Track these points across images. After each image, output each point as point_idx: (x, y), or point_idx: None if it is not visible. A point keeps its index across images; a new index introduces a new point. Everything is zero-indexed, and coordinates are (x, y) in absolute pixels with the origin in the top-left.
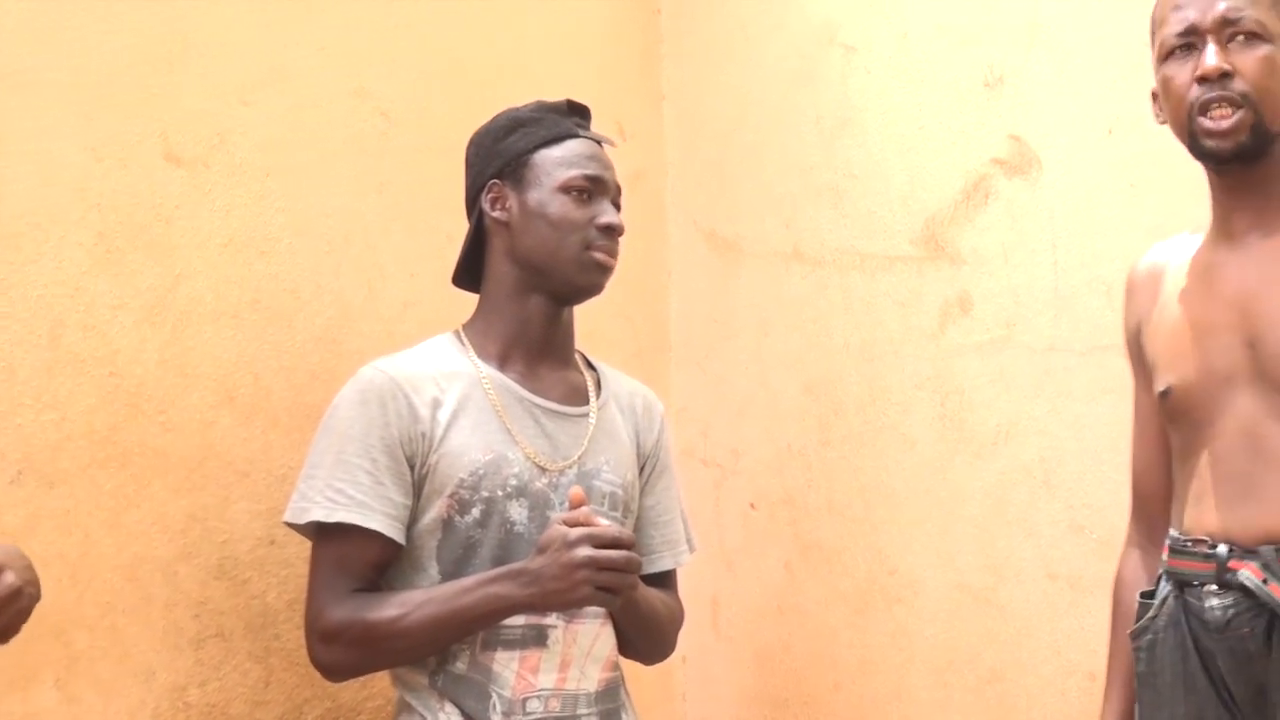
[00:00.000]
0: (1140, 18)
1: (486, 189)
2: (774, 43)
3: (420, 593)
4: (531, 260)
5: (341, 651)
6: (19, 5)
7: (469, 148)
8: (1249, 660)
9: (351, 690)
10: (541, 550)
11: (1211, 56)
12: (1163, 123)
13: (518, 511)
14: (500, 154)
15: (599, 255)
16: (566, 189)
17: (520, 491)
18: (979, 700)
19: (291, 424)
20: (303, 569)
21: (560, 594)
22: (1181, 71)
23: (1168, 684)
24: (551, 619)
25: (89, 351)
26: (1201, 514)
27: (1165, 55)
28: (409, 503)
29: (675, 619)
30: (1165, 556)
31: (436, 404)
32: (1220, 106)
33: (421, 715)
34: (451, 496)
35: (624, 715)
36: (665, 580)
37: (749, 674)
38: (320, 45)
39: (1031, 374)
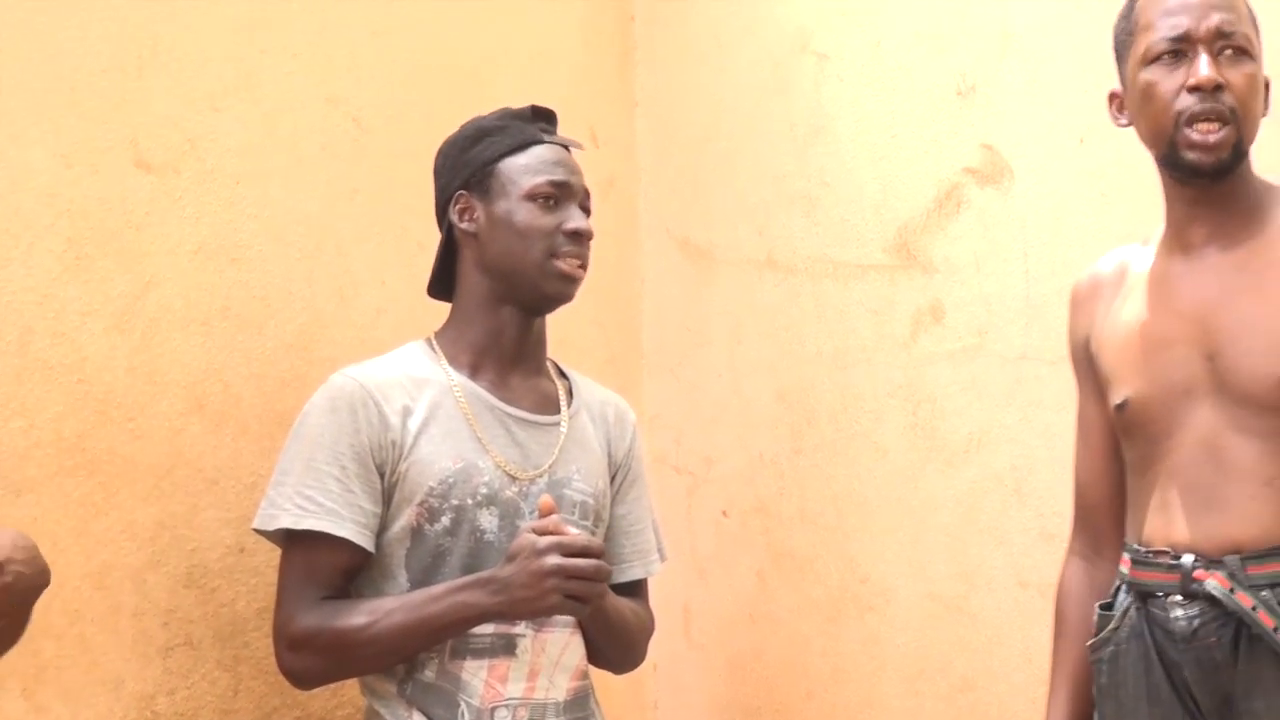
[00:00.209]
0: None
1: (454, 200)
2: (747, 50)
3: (389, 600)
4: (500, 270)
5: (310, 659)
6: None
7: (437, 158)
8: (1215, 670)
9: (321, 699)
10: (511, 558)
11: (1206, 67)
12: (1123, 125)
13: (488, 520)
14: (466, 164)
15: (563, 264)
16: (532, 196)
17: (490, 500)
18: (951, 708)
19: (261, 431)
20: (272, 577)
21: (529, 602)
22: (1169, 79)
23: (1131, 695)
24: (520, 628)
25: (58, 358)
26: (1163, 525)
27: (1150, 60)
28: (379, 510)
29: (645, 628)
30: (1127, 569)
31: (407, 412)
32: (1209, 120)
33: None
34: (421, 505)
35: None
36: (636, 590)
37: (721, 682)
38: (292, 51)
39: (1003, 382)
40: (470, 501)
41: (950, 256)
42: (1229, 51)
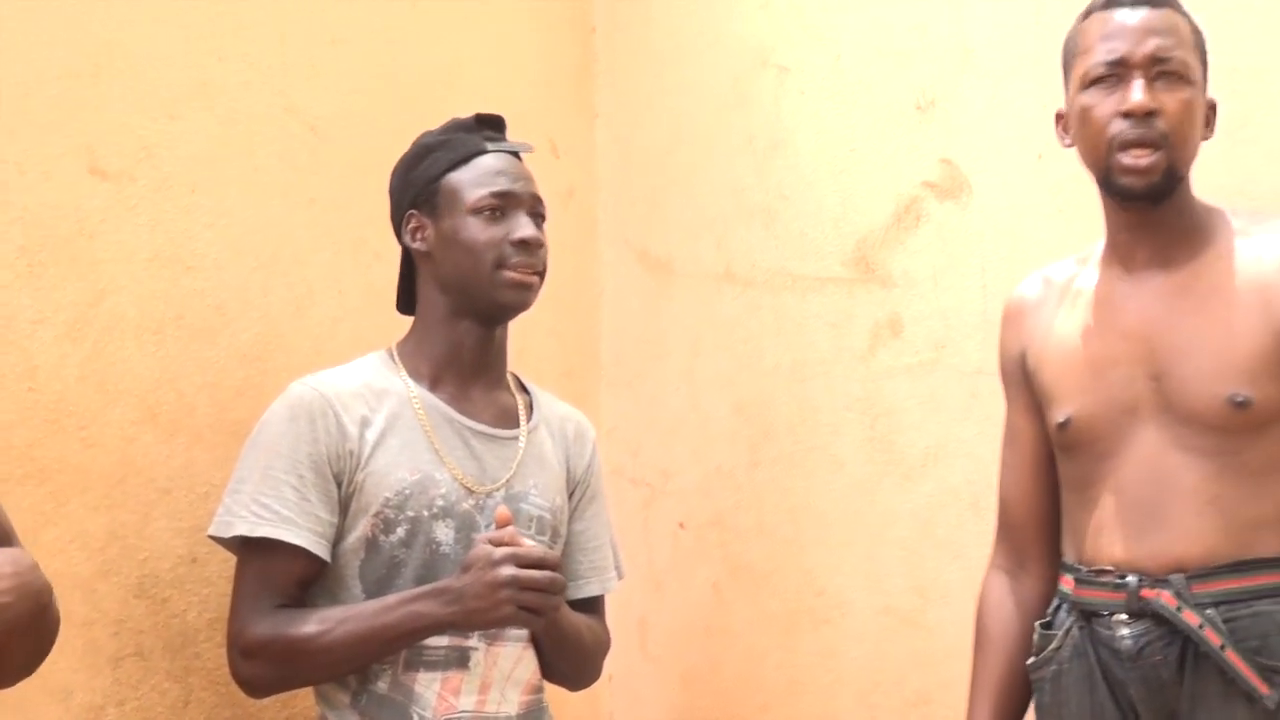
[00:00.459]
0: None
1: (405, 220)
2: (708, 63)
3: (343, 609)
4: (454, 286)
5: (263, 667)
6: None
7: (390, 178)
8: (1161, 688)
9: (273, 710)
10: (466, 569)
11: (1139, 92)
12: (1068, 146)
13: (444, 532)
14: (413, 183)
15: (514, 274)
16: (477, 210)
17: (447, 512)
18: None
19: (215, 441)
20: (224, 588)
21: (482, 613)
22: (1104, 103)
23: (1074, 714)
24: (473, 641)
25: (8, 366)
26: (1106, 544)
27: (1088, 83)
28: (335, 520)
29: (601, 645)
30: (1069, 588)
31: (365, 422)
32: (1141, 145)
33: None
34: (377, 515)
35: None
36: (592, 606)
37: (676, 694)
38: (250, 59)
39: (960, 396)
40: (426, 513)
41: (908, 270)
42: (1165, 77)
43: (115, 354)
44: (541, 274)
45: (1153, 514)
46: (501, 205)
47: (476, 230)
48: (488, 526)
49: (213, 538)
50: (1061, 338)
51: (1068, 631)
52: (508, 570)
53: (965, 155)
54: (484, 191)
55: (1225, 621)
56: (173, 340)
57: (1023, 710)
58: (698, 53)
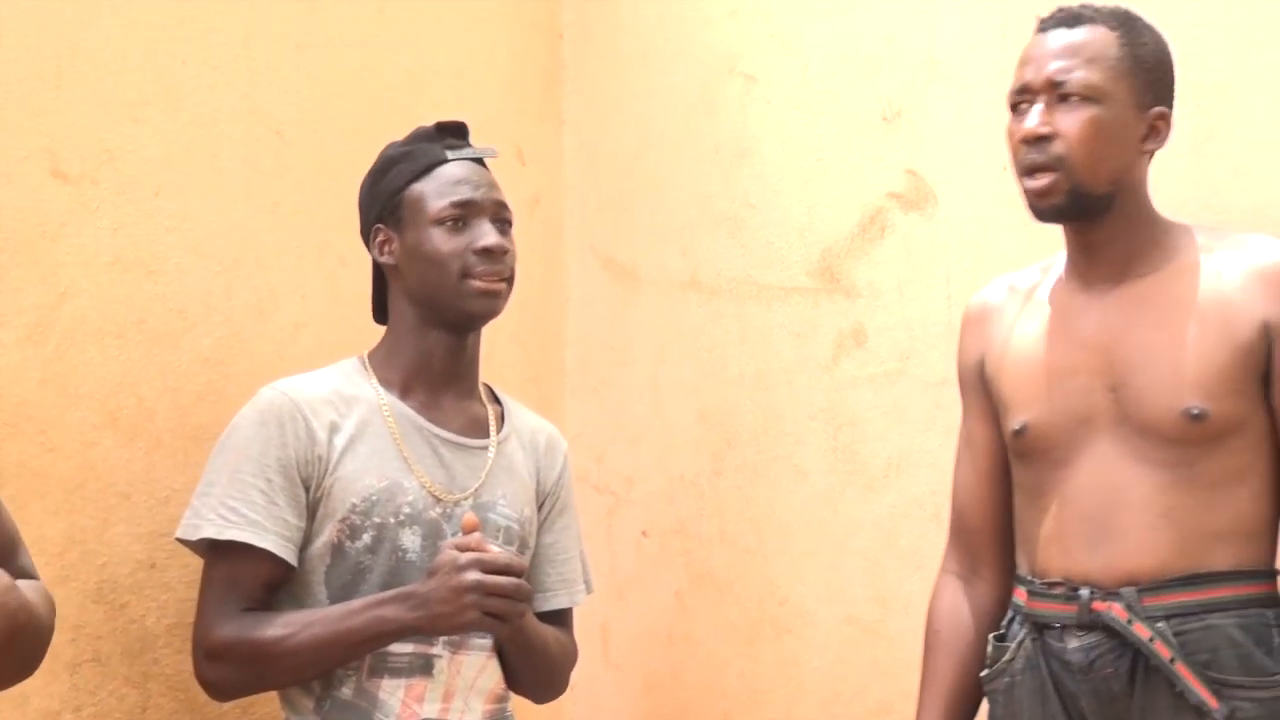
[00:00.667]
0: None
1: (373, 234)
2: (675, 71)
3: (308, 613)
4: (421, 298)
5: (228, 669)
6: None
7: (359, 191)
8: (1112, 701)
9: (233, 715)
10: (431, 574)
11: (1032, 118)
12: None
13: (410, 539)
14: (378, 197)
15: (479, 283)
16: (439, 221)
17: (413, 520)
18: None
19: (175, 445)
20: (183, 593)
21: (447, 618)
22: (1018, 130)
23: None
24: (437, 648)
25: None
26: (1058, 555)
27: (1010, 108)
28: (303, 524)
29: (568, 657)
30: (1023, 600)
31: (334, 428)
32: (1038, 170)
33: None
34: (343, 521)
35: None
36: (560, 619)
37: (638, 703)
38: (214, 63)
39: (924, 407)
40: (392, 520)
41: (873, 281)
42: (1066, 99)
43: (76, 358)
44: (509, 280)
45: (1105, 525)
46: (463, 215)
47: (440, 241)
48: (454, 534)
49: (180, 540)
50: (1021, 345)
51: (1020, 644)
52: (473, 575)
53: (931, 166)
54: (444, 202)
55: (1176, 635)
56: (134, 344)
57: (971, 715)
58: (665, 60)
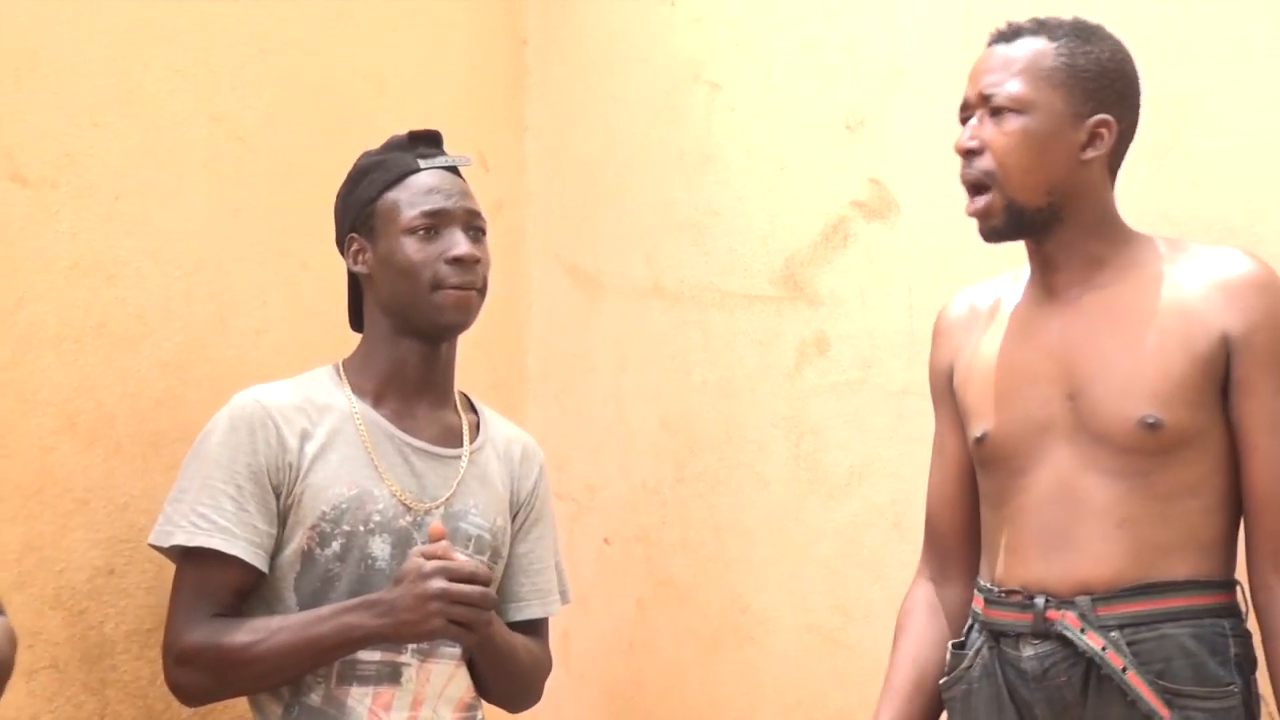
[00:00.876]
0: None
1: (347, 244)
2: (639, 78)
3: (277, 620)
4: (394, 308)
5: (196, 674)
6: None
7: (335, 201)
8: (1065, 709)
9: None
10: (398, 581)
11: (964, 133)
12: None
13: (379, 548)
14: (351, 207)
15: (450, 292)
16: (410, 230)
17: (383, 528)
18: None
19: (134, 451)
20: (142, 599)
21: (412, 625)
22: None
23: None
24: (405, 656)
25: None
26: (1016, 564)
27: (961, 125)
28: (273, 531)
29: (540, 666)
30: (980, 608)
31: (305, 435)
32: (971, 191)
33: None
34: (313, 529)
35: None
36: (535, 629)
37: (599, 710)
38: (175, 67)
39: (886, 416)
40: (362, 528)
41: (836, 289)
42: (996, 113)
43: (34, 363)
44: (481, 290)
45: (1062, 534)
46: (434, 224)
47: (411, 250)
48: (424, 543)
49: (153, 546)
50: (986, 354)
51: (978, 651)
52: (438, 583)
53: (894, 175)
54: (415, 212)
55: (1130, 644)
56: (93, 349)
57: (932, 715)
58: (629, 67)
